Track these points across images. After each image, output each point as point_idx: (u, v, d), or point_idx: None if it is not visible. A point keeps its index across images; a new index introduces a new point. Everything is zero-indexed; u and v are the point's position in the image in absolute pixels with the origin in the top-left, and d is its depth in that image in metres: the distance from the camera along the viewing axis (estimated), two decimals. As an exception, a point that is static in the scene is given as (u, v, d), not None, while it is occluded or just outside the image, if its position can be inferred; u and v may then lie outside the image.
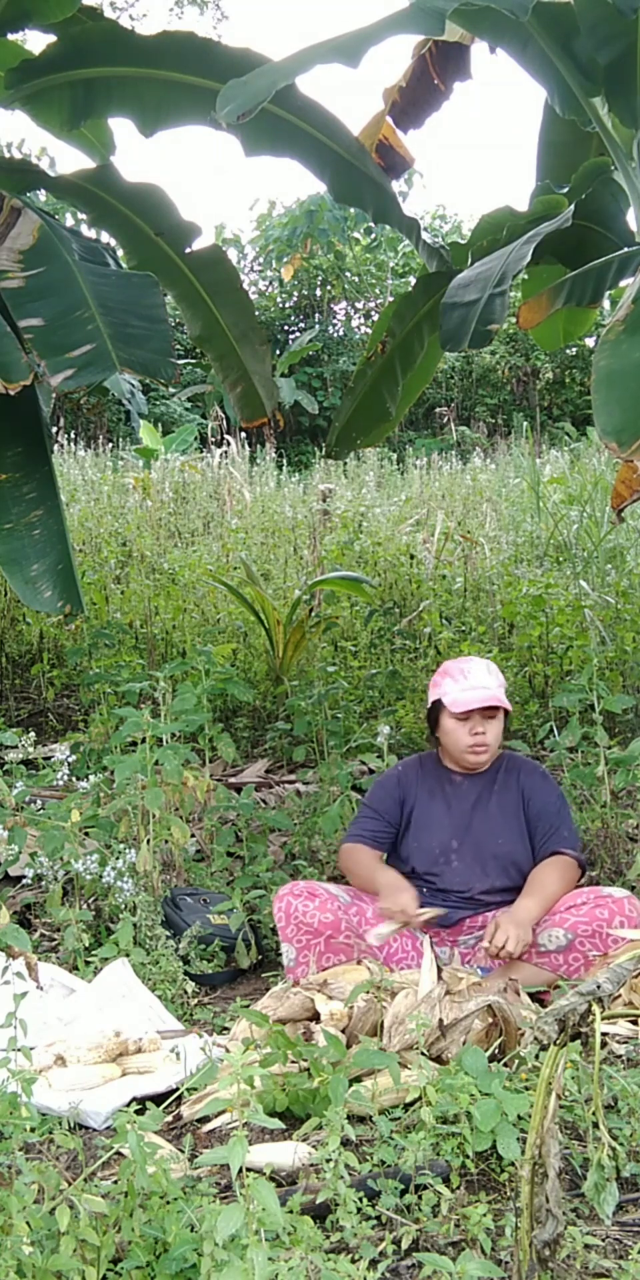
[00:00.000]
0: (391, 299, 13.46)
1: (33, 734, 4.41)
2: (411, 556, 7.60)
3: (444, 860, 3.19)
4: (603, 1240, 2.00)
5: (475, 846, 3.19)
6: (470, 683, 3.20)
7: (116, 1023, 2.69)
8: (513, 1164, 2.15)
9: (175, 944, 3.26)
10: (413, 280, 7.13)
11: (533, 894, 3.08)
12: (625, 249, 4.31)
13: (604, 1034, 2.19)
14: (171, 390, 16.84)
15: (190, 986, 3.14)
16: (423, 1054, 2.45)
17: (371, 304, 20.52)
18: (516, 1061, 2.48)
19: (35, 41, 9.91)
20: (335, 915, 3.08)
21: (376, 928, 3.05)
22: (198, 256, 5.00)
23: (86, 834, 3.55)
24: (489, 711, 3.20)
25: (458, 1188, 2.14)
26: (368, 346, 5.09)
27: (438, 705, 3.26)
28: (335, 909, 3.10)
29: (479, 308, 3.85)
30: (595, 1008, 1.75)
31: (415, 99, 5.00)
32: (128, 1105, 2.43)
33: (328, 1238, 1.99)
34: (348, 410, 5.12)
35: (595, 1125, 1.81)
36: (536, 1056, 2.36)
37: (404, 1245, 1.99)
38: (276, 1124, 1.83)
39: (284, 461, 13.06)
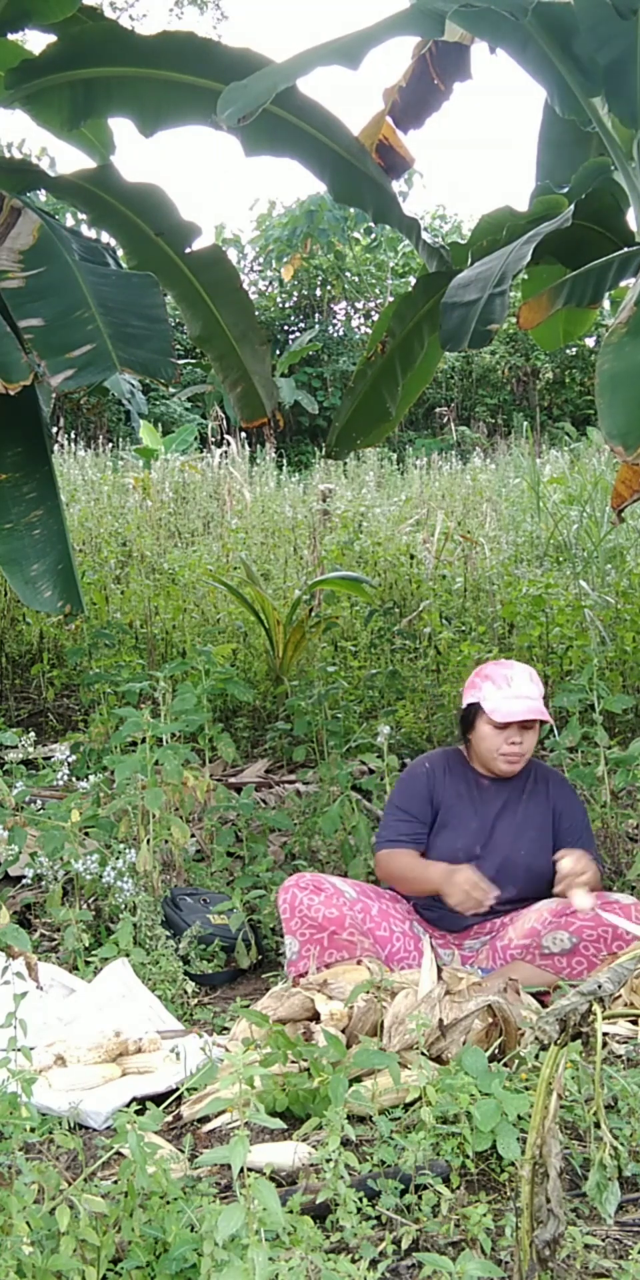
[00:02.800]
0: (391, 299, 13.46)
1: (33, 734, 4.41)
2: (411, 556, 7.60)
3: (463, 863, 3.13)
4: (603, 1240, 2.00)
5: (497, 855, 3.14)
6: (514, 691, 3.10)
7: (116, 1023, 2.69)
8: (513, 1164, 2.15)
9: (175, 944, 3.26)
10: (413, 280, 7.13)
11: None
12: (625, 249, 4.31)
13: (604, 1034, 2.19)
14: (171, 390, 16.83)
15: (190, 986, 3.13)
16: (423, 1054, 2.45)
17: (371, 304, 20.52)
18: (516, 1061, 2.48)
19: (35, 41, 9.92)
20: (340, 911, 3.07)
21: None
22: (198, 256, 5.01)
23: (86, 834, 3.55)
24: (528, 722, 3.13)
25: (458, 1188, 2.14)
26: (368, 346, 5.09)
27: (474, 708, 3.17)
28: (340, 904, 3.09)
29: (479, 308, 3.85)
30: (596, 1008, 1.75)
31: (415, 99, 5.00)
32: (128, 1105, 2.43)
33: (328, 1238, 1.98)
34: (348, 410, 5.11)
35: (596, 1125, 1.81)
36: (536, 1056, 2.36)
37: (404, 1245, 1.99)
38: (277, 1124, 1.83)
39: (284, 461, 13.06)
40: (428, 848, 3.20)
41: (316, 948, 3.05)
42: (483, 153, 43.94)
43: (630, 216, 4.45)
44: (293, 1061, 2.50)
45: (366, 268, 20.17)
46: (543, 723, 3.21)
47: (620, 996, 2.84)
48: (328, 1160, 2.01)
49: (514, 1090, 2.24)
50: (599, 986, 1.76)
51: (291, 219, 18.92)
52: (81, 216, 6.95)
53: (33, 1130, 1.97)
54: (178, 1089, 2.46)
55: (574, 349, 18.80)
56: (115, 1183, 2.05)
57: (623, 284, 4.32)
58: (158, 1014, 2.88)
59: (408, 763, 3.54)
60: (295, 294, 20.37)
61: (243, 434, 13.97)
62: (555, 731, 4.05)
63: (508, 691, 3.10)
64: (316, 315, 20.40)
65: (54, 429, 11.55)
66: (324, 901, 3.08)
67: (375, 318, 19.65)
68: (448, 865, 3.05)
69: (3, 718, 5.41)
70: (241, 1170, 1.67)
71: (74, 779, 3.90)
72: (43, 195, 9.21)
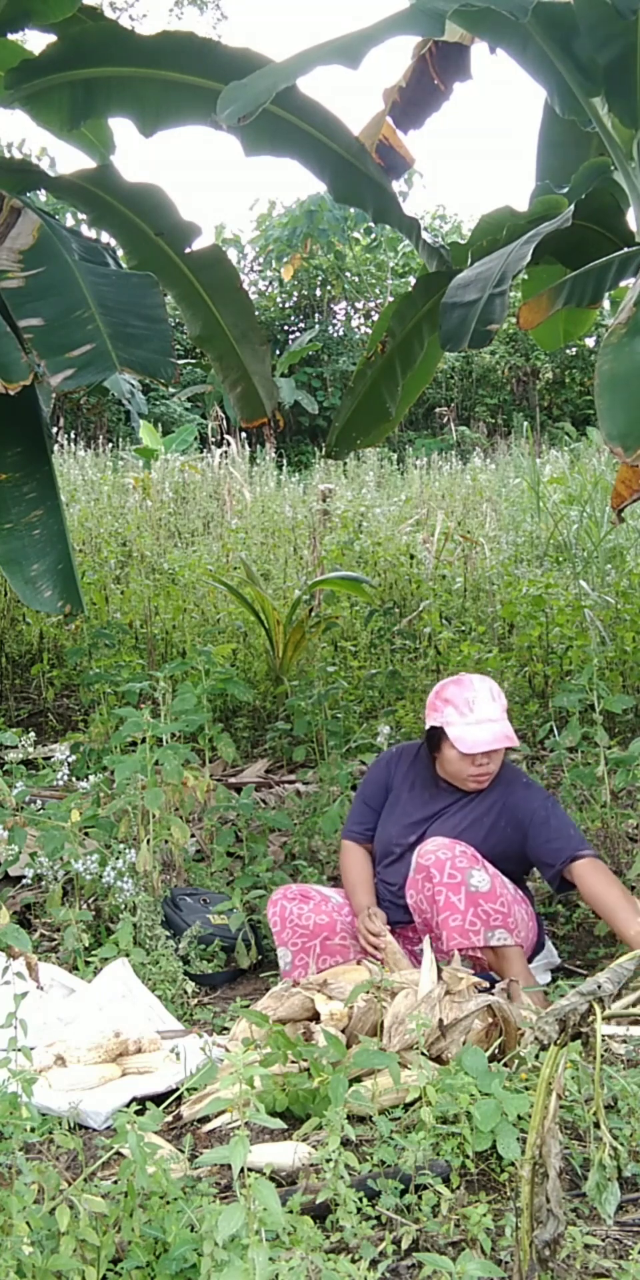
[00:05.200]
0: (391, 299, 13.46)
1: (33, 734, 4.40)
2: (411, 556, 7.61)
3: (396, 855, 3.13)
4: (603, 1240, 2.00)
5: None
6: (476, 716, 3.01)
7: (116, 1023, 2.69)
8: (513, 1164, 2.14)
9: (175, 944, 3.26)
10: (413, 280, 7.14)
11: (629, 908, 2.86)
12: (625, 249, 4.31)
13: (604, 1034, 2.19)
14: (171, 390, 16.83)
15: (190, 986, 3.13)
16: (423, 1054, 2.44)
17: (371, 304, 20.51)
18: (516, 1061, 2.48)
19: (35, 41, 9.88)
20: (330, 917, 3.08)
21: None
22: (198, 256, 5.01)
23: (86, 834, 3.55)
24: None
25: (458, 1188, 2.14)
26: (368, 346, 5.09)
27: (438, 731, 3.09)
28: (329, 910, 3.10)
29: (479, 308, 3.85)
30: (595, 1008, 1.75)
31: (415, 99, 5.00)
32: (128, 1105, 2.43)
33: (328, 1238, 1.98)
34: (348, 410, 5.12)
35: (596, 1125, 1.81)
36: (536, 1056, 2.36)
37: (404, 1245, 1.99)
38: (277, 1124, 1.83)
39: (284, 461, 13.05)
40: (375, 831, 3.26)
41: (311, 955, 3.05)
42: (483, 153, 43.94)
43: (630, 216, 4.45)
44: (293, 1061, 2.50)
45: (366, 268, 20.16)
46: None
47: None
48: (328, 1160, 2.01)
49: (514, 1090, 2.24)
50: (598, 986, 1.76)
51: (291, 219, 18.92)
52: (81, 216, 6.96)
53: (33, 1130, 1.97)
54: (178, 1089, 2.46)
55: (574, 349, 18.79)
56: (115, 1183, 2.05)
57: (623, 284, 4.32)
58: (158, 1014, 2.87)
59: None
60: (295, 294, 20.36)
61: (243, 434, 13.96)
62: (555, 731, 4.05)
63: (471, 717, 3.02)
64: (316, 315, 20.39)
65: (54, 429, 11.55)
66: (313, 909, 3.08)
67: (375, 318, 19.64)
68: (370, 905, 3.08)
69: (3, 718, 5.41)
70: (241, 1170, 1.67)
71: (74, 779, 3.90)
72: (43, 195, 9.23)
